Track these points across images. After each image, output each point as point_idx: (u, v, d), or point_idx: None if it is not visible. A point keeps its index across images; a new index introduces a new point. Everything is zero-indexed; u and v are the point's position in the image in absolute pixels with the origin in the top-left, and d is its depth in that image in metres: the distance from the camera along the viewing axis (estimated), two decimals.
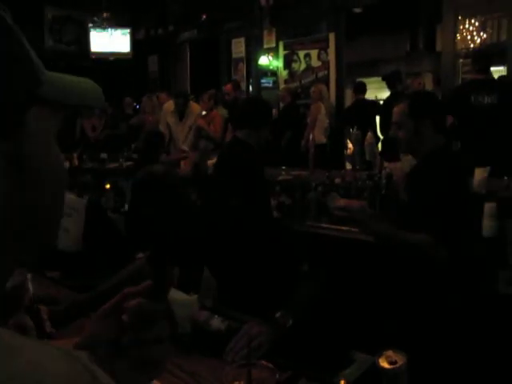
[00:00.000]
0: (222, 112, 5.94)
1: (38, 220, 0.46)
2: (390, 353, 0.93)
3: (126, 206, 3.61)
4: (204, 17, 7.03)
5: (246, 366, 0.98)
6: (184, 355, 1.28)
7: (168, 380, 1.15)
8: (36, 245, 0.48)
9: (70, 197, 2.15)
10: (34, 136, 0.45)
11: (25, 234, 0.45)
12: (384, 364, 0.93)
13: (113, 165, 5.92)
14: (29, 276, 2.12)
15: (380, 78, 8.51)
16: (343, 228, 3.05)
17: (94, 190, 4.62)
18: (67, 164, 5.92)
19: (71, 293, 1.80)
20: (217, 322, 1.30)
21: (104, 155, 6.30)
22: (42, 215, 0.47)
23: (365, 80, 7.31)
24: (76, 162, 6.10)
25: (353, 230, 2.94)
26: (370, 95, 7.55)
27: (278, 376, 1.00)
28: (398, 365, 0.93)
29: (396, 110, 2.10)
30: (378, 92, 8.28)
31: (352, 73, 6.95)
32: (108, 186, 4.99)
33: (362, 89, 5.81)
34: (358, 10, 6.59)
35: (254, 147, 2.55)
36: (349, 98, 6.16)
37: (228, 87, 5.26)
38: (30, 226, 0.45)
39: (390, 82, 5.26)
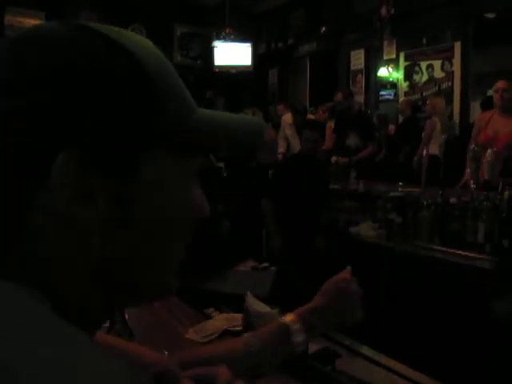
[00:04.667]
0: None
1: (127, 277, 0.42)
2: None
3: None
4: (323, 29, 7.03)
5: None
6: None
7: None
8: (125, 296, 0.43)
9: None
10: (149, 180, 0.40)
11: (113, 289, 0.41)
12: None
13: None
14: None
15: None
16: (460, 252, 2.82)
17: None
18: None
19: None
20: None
21: (220, 164, 6.57)
22: (136, 270, 0.42)
23: None
24: None
25: (472, 255, 2.71)
26: None
27: None
28: None
29: None
30: None
31: (482, 84, 6.42)
32: None
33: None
34: (490, 16, 6.08)
35: None
36: (475, 111, 5.69)
37: (338, 96, 5.12)
38: (116, 282, 0.41)
39: None
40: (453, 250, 2.87)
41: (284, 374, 1.23)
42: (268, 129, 6.54)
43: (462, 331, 2.49)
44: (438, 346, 2.48)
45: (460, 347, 2.43)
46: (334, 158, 5.05)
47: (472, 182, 3.11)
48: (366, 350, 1.47)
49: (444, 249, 2.94)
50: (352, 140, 5.05)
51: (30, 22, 6.95)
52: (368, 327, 2.11)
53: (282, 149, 5.85)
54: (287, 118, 6.14)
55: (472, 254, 2.74)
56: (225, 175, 6.25)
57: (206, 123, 0.44)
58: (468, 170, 3.68)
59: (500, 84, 3.77)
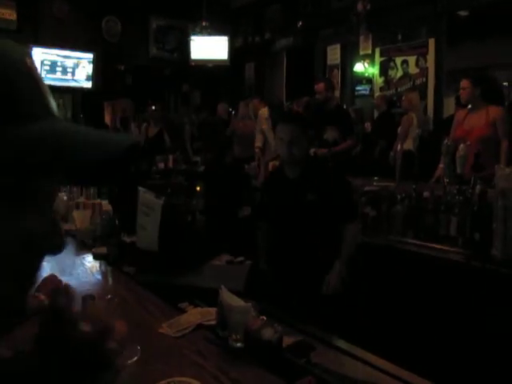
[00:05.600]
0: None
1: None
2: None
3: None
4: (300, 24, 7.03)
5: None
6: (233, 361, 1.26)
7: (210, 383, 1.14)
8: None
9: (148, 197, 2.23)
10: None
11: None
12: None
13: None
14: (108, 269, 2.25)
15: None
16: (433, 245, 2.86)
17: (185, 192, 4.82)
18: (161, 165, 6.22)
19: None
20: (269, 333, 1.26)
21: (197, 158, 6.54)
22: None
23: None
24: (171, 164, 6.39)
25: (445, 248, 2.75)
26: None
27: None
28: None
29: None
30: None
31: (455, 80, 6.54)
32: (198, 188, 5.18)
33: None
34: (463, 13, 6.19)
35: None
36: (448, 106, 5.78)
37: (320, 86, 5.07)
38: None
39: None
40: (426, 243, 2.91)
41: (259, 367, 1.23)
42: (246, 121, 6.52)
43: (435, 322, 2.53)
44: (413, 337, 2.52)
45: (434, 338, 2.47)
46: (312, 150, 5.06)
47: (445, 176, 3.15)
48: (340, 343, 1.48)
49: (417, 242, 2.98)
50: (330, 134, 5.05)
51: (3, 12, 6.77)
52: (343, 320, 2.12)
53: (258, 143, 5.84)
54: (264, 112, 6.11)
55: (445, 247, 2.78)
56: (201, 170, 6.23)
57: (34, 135, 0.38)
58: (441, 165, 3.73)
59: (462, 83, 3.86)
